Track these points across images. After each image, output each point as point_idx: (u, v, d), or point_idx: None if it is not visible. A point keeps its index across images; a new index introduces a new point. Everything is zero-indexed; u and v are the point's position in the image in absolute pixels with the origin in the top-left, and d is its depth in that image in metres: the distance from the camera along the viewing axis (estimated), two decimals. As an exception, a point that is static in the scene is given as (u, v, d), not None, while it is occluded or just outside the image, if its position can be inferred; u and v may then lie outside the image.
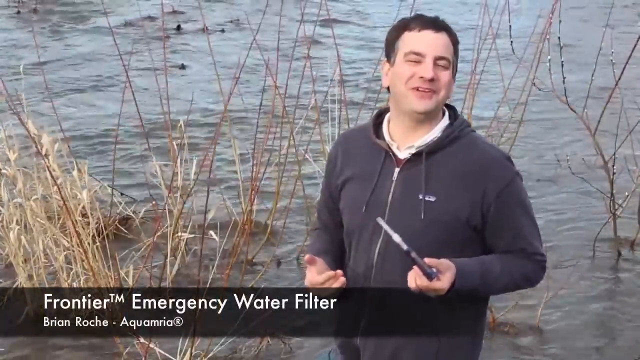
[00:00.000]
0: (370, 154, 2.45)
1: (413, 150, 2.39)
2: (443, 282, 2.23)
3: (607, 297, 5.03)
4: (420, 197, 2.35)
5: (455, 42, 2.40)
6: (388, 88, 2.44)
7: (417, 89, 2.33)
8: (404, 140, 2.41)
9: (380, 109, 2.53)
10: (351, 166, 2.48)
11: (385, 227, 2.26)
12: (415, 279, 2.23)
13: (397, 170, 2.40)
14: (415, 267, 2.22)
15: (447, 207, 2.34)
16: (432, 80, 2.32)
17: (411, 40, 2.36)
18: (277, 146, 5.56)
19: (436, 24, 2.37)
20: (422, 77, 2.32)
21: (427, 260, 2.22)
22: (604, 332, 4.65)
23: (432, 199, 2.34)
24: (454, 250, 2.29)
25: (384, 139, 2.44)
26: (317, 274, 2.40)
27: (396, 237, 2.23)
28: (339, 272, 2.36)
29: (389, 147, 2.42)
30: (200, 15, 6.91)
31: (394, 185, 2.39)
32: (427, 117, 2.38)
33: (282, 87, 5.75)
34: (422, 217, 2.34)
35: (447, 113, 2.45)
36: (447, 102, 2.46)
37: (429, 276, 2.20)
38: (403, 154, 2.41)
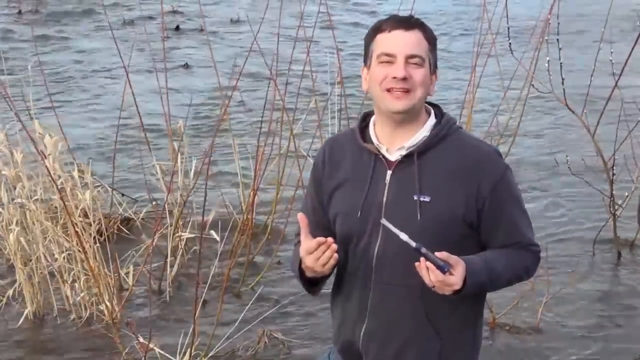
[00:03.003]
0: (359, 158, 2.44)
1: (404, 152, 2.38)
2: (456, 277, 2.23)
3: (607, 297, 5.03)
4: (415, 198, 2.34)
5: (430, 38, 2.38)
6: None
7: (391, 89, 2.33)
8: (392, 142, 2.40)
9: (364, 112, 2.52)
10: (340, 172, 2.47)
11: (391, 227, 2.25)
12: (429, 274, 2.22)
13: (389, 172, 2.38)
14: (427, 262, 2.21)
15: (442, 206, 2.34)
16: (405, 79, 2.31)
17: (383, 41, 2.34)
18: (278, 146, 5.57)
19: (407, 23, 2.36)
20: (394, 77, 2.31)
21: (437, 254, 2.21)
22: (603, 332, 4.65)
23: (427, 199, 2.34)
24: (451, 248, 2.27)
25: (371, 142, 2.42)
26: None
27: (403, 236, 2.23)
28: (330, 239, 2.31)
29: (378, 150, 2.41)
30: (200, 15, 6.91)
31: (387, 188, 2.38)
32: (408, 117, 2.37)
33: (283, 87, 5.76)
34: (419, 218, 2.33)
35: (432, 112, 2.44)
36: (433, 101, 2.46)
37: (442, 269, 2.20)
38: (393, 156, 2.39)
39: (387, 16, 2.45)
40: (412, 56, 2.32)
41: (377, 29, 2.38)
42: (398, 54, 2.32)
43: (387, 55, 2.33)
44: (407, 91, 2.32)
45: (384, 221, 2.28)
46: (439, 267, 2.20)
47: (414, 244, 2.22)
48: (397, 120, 2.37)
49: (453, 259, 2.23)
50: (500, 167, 2.39)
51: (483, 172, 2.36)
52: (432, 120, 2.42)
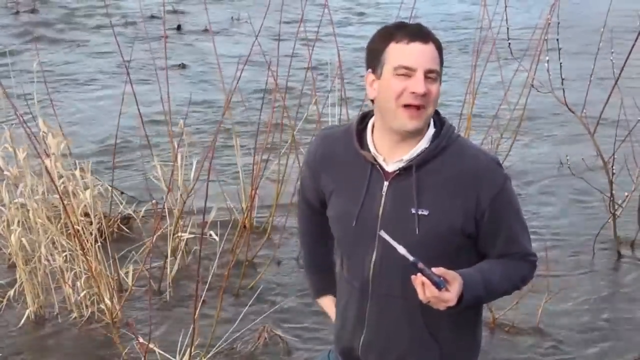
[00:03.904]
0: (354, 164, 2.37)
1: (402, 164, 2.31)
2: (452, 293, 2.18)
3: (607, 297, 5.03)
4: (413, 211, 2.28)
5: (440, 49, 2.31)
6: (373, 100, 2.34)
7: (408, 106, 2.24)
8: (391, 153, 2.32)
9: (363, 112, 2.44)
10: (335, 175, 2.41)
11: (389, 240, 2.20)
12: (424, 290, 2.17)
13: (386, 184, 2.32)
14: (423, 277, 2.16)
15: (441, 219, 2.29)
16: (424, 95, 2.24)
17: (400, 53, 2.24)
18: (278, 145, 5.57)
19: (425, 35, 2.27)
20: (413, 92, 2.22)
21: (434, 270, 2.17)
22: (603, 332, 4.65)
23: (426, 212, 2.28)
24: (448, 259, 2.25)
25: (368, 149, 2.35)
26: None
27: (401, 249, 2.18)
28: None
29: (375, 159, 2.34)
30: (201, 15, 6.91)
31: (384, 199, 2.32)
32: (415, 133, 2.30)
33: (283, 87, 5.76)
34: (417, 231, 2.28)
35: (432, 120, 2.35)
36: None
37: (438, 286, 2.15)
38: (391, 167, 2.32)
39: (393, 23, 2.35)
40: (431, 71, 2.25)
41: (390, 37, 2.27)
42: (418, 68, 2.23)
43: (407, 68, 2.23)
44: (423, 108, 2.25)
45: (382, 233, 2.23)
46: (434, 283, 2.15)
47: (411, 258, 2.16)
48: (403, 136, 2.30)
49: (450, 274, 2.19)
50: (499, 177, 2.34)
51: (482, 183, 2.30)
52: (431, 130, 2.34)
